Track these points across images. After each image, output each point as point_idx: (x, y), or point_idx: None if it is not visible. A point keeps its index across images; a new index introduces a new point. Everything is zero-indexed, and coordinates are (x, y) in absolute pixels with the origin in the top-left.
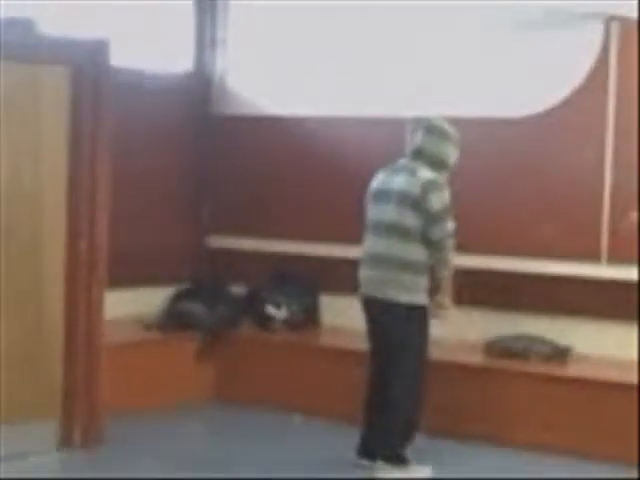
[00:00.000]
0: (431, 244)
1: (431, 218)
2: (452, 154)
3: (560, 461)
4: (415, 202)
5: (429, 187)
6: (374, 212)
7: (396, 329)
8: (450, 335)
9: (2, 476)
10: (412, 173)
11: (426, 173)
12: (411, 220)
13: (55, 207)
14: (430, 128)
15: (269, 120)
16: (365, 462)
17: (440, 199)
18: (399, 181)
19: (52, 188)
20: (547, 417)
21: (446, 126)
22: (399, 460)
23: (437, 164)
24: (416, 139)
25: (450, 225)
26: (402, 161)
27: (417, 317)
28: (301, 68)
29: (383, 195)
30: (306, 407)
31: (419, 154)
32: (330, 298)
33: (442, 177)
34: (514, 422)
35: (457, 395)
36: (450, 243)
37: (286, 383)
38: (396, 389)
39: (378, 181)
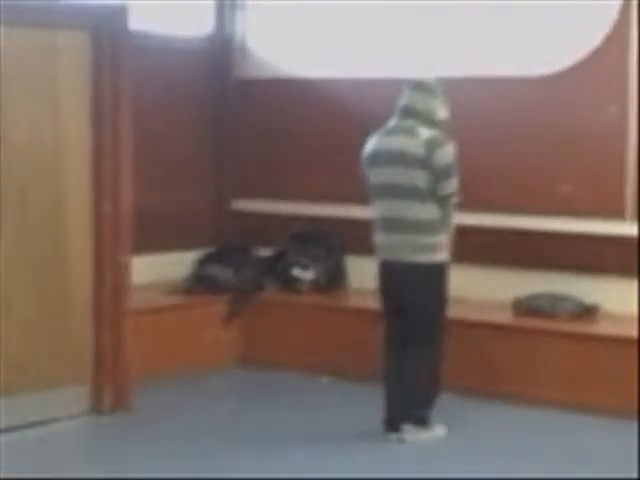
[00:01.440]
0: (439, 200)
1: (439, 175)
2: (440, 109)
3: (587, 419)
4: (422, 161)
5: (433, 144)
6: (378, 175)
7: (417, 292)
8: (477, 294)
9: (33, 440)
10: (411, 133)
11: (425, 131)
12: (421, 180)
13: (79, 171)
14: (416, 86)
15: (290, 82)
16: (393, 436)
17: (446, 155)
18: (399, 142)
19: (75, 153)
20: (575, 375)
21: (431, 82)
22: (423, 422)
23: (428, 121)
24: (403, 98)
25: (455, 181)
26: (393, 122)
27: (438, 276)
28: (320, 30)
29: (385, 157)
30: (333, 369)
31: (407, 112)
32: (356, 259)
33: (440, 133)
34: (542, 380)
35: (485, 353)
36: (456, 199)
37: (313, 345)
38: (418, 357)
39: (375, 144)
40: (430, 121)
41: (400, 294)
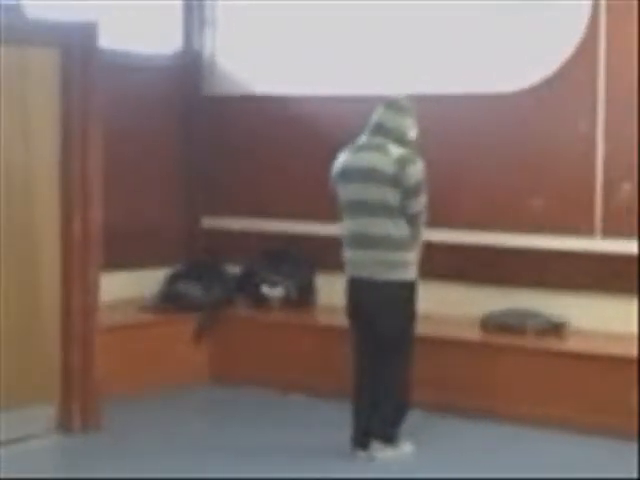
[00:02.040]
0: (408, 218)
1: (409, 192)
2: (411, 128)
3: (556, 435)
4: (392, 179)
5: (404, 162)
6: (348, 191)
7: (387, 310)
8: (446, 310)
9: (2, 460)
10: (381, 150)
11: (395, 149)
12: (391, 196)
13: (48, 189)
14: (389, 104)
15: (259, 99)
16: (362, 453)
17: (416, 172)
18: (370, 158)
19: (43, 171)
20: (543, 391)
21: (404, 101)
22: (392, 439)
23: (398, 139)
24: (375, 115)
25: (424, 198)
26: (364, 138)
27: (408, 293)
28: (290, 47)
29: (355, 174)
30: (302, 386)
31: (378, 129)
32: (326, 277)
33: (411, 151)
34: (510, 396)
35: (453, 370)
36: (424, 217)
37: (282, 362)
38: (388, 374)
39: (344, 160)
40: (400, 139)
41: (370, 311)
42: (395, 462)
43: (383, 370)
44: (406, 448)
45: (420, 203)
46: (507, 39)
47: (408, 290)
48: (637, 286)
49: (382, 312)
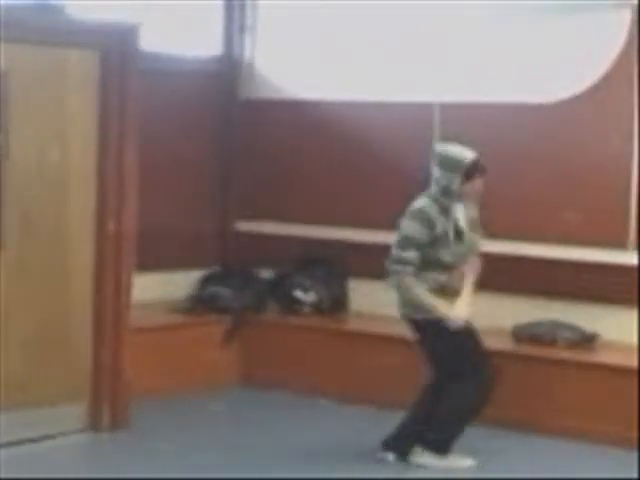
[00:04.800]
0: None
1: (395, 241)
2: (454, 182)
3: (586, 447)
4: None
5: (407, 213)
6: None
7: (424, 344)
8: (478, 320)
9: (31, 457)
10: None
11: (419, 201)
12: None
13: (83, 190)
14: (438, 160)
15: (297, 104)
16: (390, 456)
17: (407, 227)
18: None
19: (80, 171)
20: (574, 403)
21: (452, 154)
22: (437, 448)
23: (444, 192)
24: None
25: (406, 254)
26: None
27: (437, 331)
28: (329, 52)
29: None
30: (332, 392)
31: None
32: (358, 283)
33: (434, 205)
34: (540, 408)
35: None
36: (395, 269)
37: (312, 368)
38: (446, 391)
39: None
40: (443, 192)
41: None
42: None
43: (444, 391)
44: (461, 462)
45: (395, 255)
46: (544, 51)
47: (437, 327)
48: None
49: (423, 347)
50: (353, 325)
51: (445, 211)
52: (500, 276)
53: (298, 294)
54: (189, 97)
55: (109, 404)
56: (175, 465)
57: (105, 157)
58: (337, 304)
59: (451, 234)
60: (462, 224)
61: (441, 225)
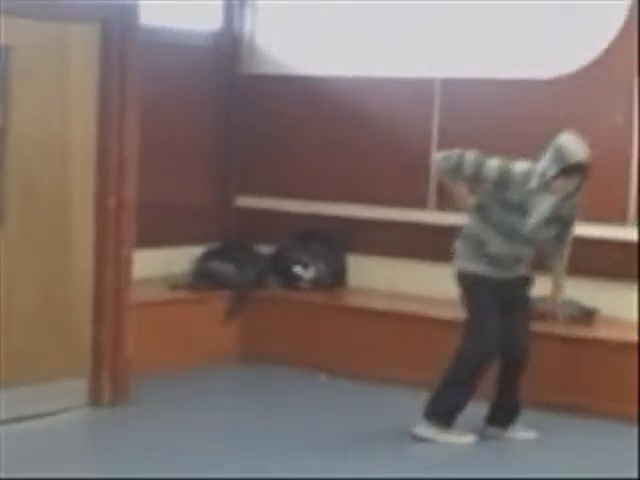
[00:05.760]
0: None
1: None
2: (550, 171)
3: (585, 422)
4: None
5: None
6: None
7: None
8: None
9: (32, 433)
10: None
11: (522, 164)
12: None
13: (84, 164)
14: (553, 144)
15: (298, 79)
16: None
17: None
18: None
19: (81, 145)
20: (573, 378)
21: (564, 145)
22: (446, 423)
23: (539, 175)
24: None
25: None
26: None
27: (461, 285)
28: (329, 28)
29: None
30: (332, 367)
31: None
32: (357, 259)
33: (526, 177)
34: (540, 382)
35: None
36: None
37: (312, 343)
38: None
39: None
40: None
41: None
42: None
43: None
44: (462, 438)
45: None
46: (545, 26)
47: (460, 281)
48: None
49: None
50: (353, 300)
51: (530, 191)
52: None
53: (297, 270)
54: (189, 71)
55: (110, 380)
56: (175, 440)
57: (106, 131)
58: (336, 280)
59: (516, 205)
60: (536, 209)
61: (513, 193)
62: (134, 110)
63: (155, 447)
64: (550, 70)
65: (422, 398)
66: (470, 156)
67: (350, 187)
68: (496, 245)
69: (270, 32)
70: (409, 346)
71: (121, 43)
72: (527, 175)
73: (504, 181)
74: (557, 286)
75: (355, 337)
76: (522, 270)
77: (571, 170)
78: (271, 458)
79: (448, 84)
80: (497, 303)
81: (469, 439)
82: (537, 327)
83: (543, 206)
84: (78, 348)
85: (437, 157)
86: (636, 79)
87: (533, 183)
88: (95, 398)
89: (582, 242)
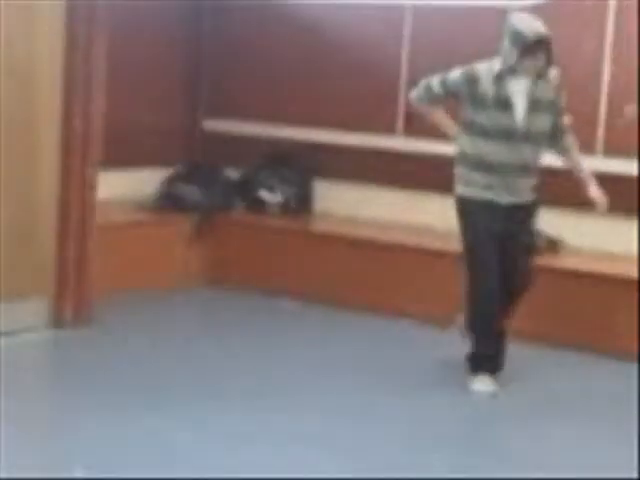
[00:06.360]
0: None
1: None
2: (512, 55)
3: (548, 353)
4: None
5: None
6: None
7: None
8: (441, 224)
9: None
10: None
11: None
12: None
13: (50, 86)
14: (506, 29)
15: (265, 4)
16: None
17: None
18: None
19: (46, 67)
20: (536, 308)
21: (518, 26)
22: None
23: (503, 63)
24: None
25: (431, 80)
26: None
27: (457, 208)
28: None
29: None
30: (297, 292)
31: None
32: (325, 184)
33: (490, 69)
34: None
35: (448, 283)
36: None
37: (278, 268)
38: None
39: None
40: None
41: None
42: None
43: None
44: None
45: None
46: None
47: (457, 204)
48: (637, 207)
49: None
50: (318, 226)
51: (499, 79)
52: None
53: (264, 194)
54: None
55: (73, 300)
56: (136, 360)
57: (73, 52)
58: (303, 205)
59: (492, 100)
60: (515, 98)
61: (485, 88)
62: (101, 32)
63: (116, 368)
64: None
65: (382, 323)
66: (434, 78)
67: (319, 112)
68: (495, 152)
69: None
70: (374, 272)
71: None
72: (491, 68)
73: (471, 79)
74: (581, 174)
75: (320, 262)
76: (527, 193)
77: (532, 48)
78: (229, 376)
79: (419, 10)
80: (496, 233)
81: (490, 388)
82: None
83: (520, 91)
84: (42, 268)
85: (410, 95)
86: (608, 9)
87: (499, 72)
88: (57, 318)
89: (549, 171)
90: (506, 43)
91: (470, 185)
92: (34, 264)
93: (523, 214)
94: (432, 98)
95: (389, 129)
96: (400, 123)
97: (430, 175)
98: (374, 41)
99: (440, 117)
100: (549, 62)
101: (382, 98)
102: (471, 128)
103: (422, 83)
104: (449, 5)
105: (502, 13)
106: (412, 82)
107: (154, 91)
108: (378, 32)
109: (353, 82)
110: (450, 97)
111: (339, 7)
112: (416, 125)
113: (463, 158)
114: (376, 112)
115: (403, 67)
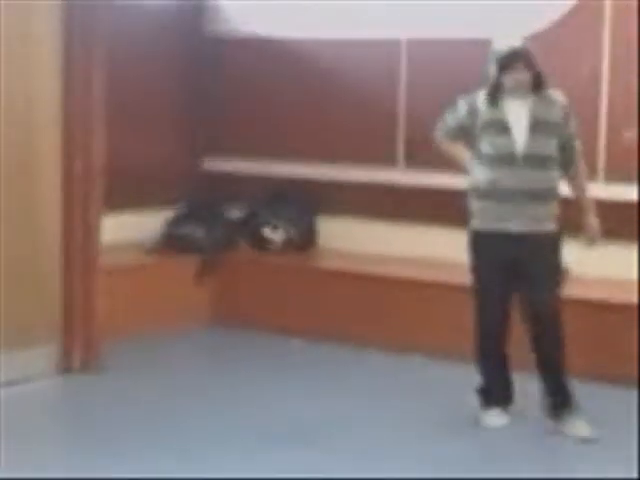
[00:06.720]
0: None
1: None
2: (492, 72)
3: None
4: None
5: None
6: None
7: None
8: (446, 257)
9: (2, 401)
10: None
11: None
12: None
13: (49, 128)
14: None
15: (263, 41)
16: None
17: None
18: None
19: (45, 109)
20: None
21: (495, 45)
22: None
23: (489, 85)
24: None
25: (444, 119)
26: None
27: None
28: None
29: None
30: (304, 329)
31: None
32: (328, 220)
33: (485, 97)
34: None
35: (456, 316)
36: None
37: (284, 306)
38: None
39: None
40: None
41: None
42: None
43: None
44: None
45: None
46: None
47: (468, 237)
48: (637, 233)
49: None
50: (323, 262)
51: (493, 102)
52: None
53: (267, 232)
54: (154, 33)
55: (80, 345)
56: (147, 406)
57: (71, 95)
58: (306, 241)
59: (490, 124)
60: (511, 120)
61: (483, 113)
62: (99, 71)
63: (126, 413)
64: (521, 28)
65: (390, 360)
66: (447, 114)
67: (319, 147)
68: (500, 179)
69: None
70: (379, 307)
71: (86, 3)
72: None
73: (471, 107)
74: (582, 201)
75: (326, 299)
76: (544, 223)
77: (509, 62)
78: (242, 419)
79: (415, 45)
80: (506, 263)
81: (501, 421)
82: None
83: (516, 112)
84: (48, 315)
85: (434, 134)
86: (604, 34)
87: (488, 94)
88: (66, 364)
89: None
90: (488, 65)
91: (479, 216)
92: (40, 311)
93: (539, 244)
94: (449, 134)
95: (390, 162)
96: (401, 156)
97: (434, 208)
98: (372, 75)
99: (458, 152)
100: (538, 78)
101: (382, 132)
102: (479, 157)
103: (438, 125)
104: (444, 38)
105: None
106: (410, 114)
107: (153, 132)
108: (375, 66)
109: (351, 117)
110: (464, 130)
111: (337, 43)
112: (418, 157)
113: (474, 189)
114: (376, 146)
115: (401, 100)
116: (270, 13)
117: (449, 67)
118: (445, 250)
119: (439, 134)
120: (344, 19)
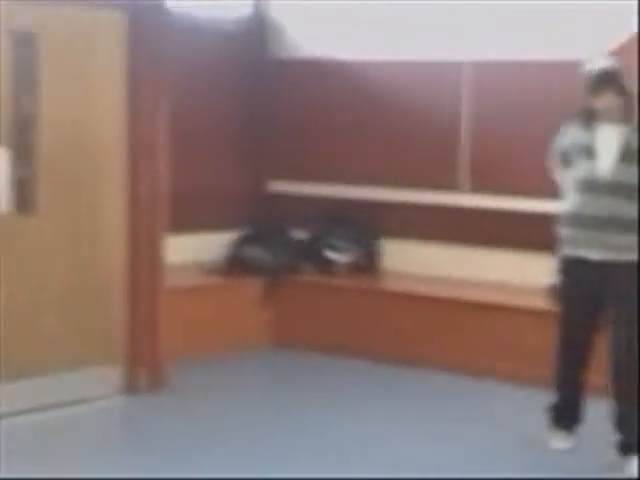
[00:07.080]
0: None
1: None
2: (584, 97)
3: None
4: None
5: None
6: None
7: None
8: (513, 280)
9: (67, 420)
10: None
11: None
12: None
13: (115, 153)
14: None
15: (326, 63)
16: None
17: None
18: None
19: (111, 134)
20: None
21: (587, 68)
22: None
23: (582, 110)
24: None
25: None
26: None
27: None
28: (357, 11)
29: None
30: (366, 352)
31: None
32: (391, 242)
33: (580, 123)
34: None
35: (525, 340)
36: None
37: (346, 328)
38: None
39: None
40: None
41: None
42: None
43: None
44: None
45: None
46: (577, 5)
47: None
48: None
49: None
50: (387, 285)
51: (586, 128)
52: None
53: (330, 254)
54: (219, 57)
55: (146, 366)
56: (212, 426)
57: (137, 118)
58: (370, 264)
59: (580, 150)
60: (599, 144)
61: (574, 139)
62: (165, 97)
63: (191, 433)
64: (583, 51)
65: (457, 381)
66: (555, 140)
67: (382, 170)
68: (583, 205)
69: (299, 16)
70: (445, 330)
71: (150, 30)
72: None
73: (564, 133)
74: None
75: (389, 321)
76: (627, 252)
77: (599, 84)
78: (306, 442)
79: (478, 67)
80: (589, 291)
81: (561, 444)
82: None
83: (607, 138)
84: (113, 334)
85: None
86: None
87: (580, 119)
88: (131, 385)
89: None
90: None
91: (564, 242)
92: (106, 330)
93: (621, 274)
94: (555, 160)
95: (452, 185)
96: (464, 179)
97: (498, 231)
98: (433, 98)
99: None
100: (629, 103)
101: (445, 154)
102: (571, 184)
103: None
104: (509, 60)
105: (562, 66)
106: (475, 138)
107: (217, 155)
108: (437, 89)
109: (413, 139)
110: (564, 155)
111: (398, 64)
112: (483, 181)
113: (562, 216)
114: (439, 168)
115: (463, 122)
116: (333, 35)
117: (511, 88)
118: (508, 273)
119: (550, 160)
120: (407, 41)
